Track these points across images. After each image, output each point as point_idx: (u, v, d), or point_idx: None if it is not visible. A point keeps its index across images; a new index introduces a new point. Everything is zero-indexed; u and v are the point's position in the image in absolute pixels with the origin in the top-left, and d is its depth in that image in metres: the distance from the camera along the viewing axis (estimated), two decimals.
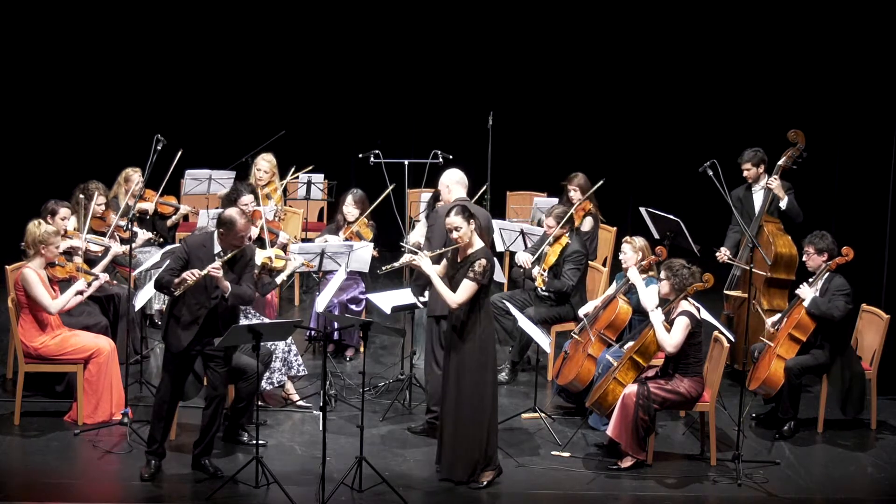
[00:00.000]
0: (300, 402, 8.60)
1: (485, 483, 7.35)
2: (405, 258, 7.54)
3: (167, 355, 7.37)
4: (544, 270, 9.20)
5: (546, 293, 9.23)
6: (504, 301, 9.22)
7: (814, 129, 11.49)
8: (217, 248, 7.26)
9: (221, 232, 7.25)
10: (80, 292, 8.25)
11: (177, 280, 7.14)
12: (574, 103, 13.52)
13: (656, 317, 7.76)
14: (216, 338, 7.25)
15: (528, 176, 12.73)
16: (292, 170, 11.27)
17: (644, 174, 13.40)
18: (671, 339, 7.65)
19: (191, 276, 7.12)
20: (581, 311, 8.84)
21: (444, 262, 7.48)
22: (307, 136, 13.21)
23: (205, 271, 7.12)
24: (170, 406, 7.38)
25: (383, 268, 7.95)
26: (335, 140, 13.50)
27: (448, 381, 7.36)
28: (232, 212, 7.29)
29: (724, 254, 9.28)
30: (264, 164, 10.86)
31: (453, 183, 8.17)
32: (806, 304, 8.29)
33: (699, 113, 12.98)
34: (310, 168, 11.37)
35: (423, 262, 7.33)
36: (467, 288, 7.16)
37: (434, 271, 7.31)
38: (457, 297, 7.18)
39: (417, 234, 9.49)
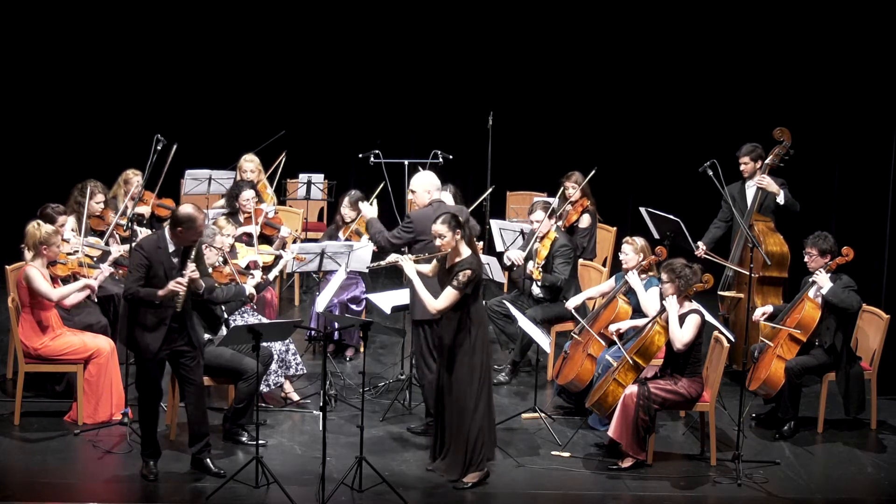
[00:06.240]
0: (299, 401, 8.60)
1: (469, 484, 7.35)
2: (391, 258, 7.54)
3: (138, 360, 7.33)
4: (538, 264, 9.24)
5: (541, 288, 9.25)
6: (504, 302, 9.23)
7: (814, 129, 11.54)
8: (171, 247, 7.20)
9: (180, 230, 7.16)
10: (89, 288, 8.26)
11: (161, 293, 7.08)
12: (574, 103, 13.52)
13: (672, 306, 7.74)
14: (182, 335, 7.25)
15: (528, 176, 12.74)
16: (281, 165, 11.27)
17: (644, 174, 13.40)
18: (682, 335, 7.65)
19: (178, 286, 7.07)
20: (569, 304, 8.86)
21: (435, 262, 7.49)
22: (307, 136, 13.21)
23: (186, 279, 7.09)
24: (152, 408, 7.37)
25: (370, 264, 7.98)
26: (335, 140, 13.50)
27: (441, 383, 7.40)
28: (188, 209, 7.22)
29: (701, 249, 9.29)
30: (249, 164, 10.85)
31: (434, 189, 8.11)
32: (824, 291, 8.27)
33: (698, 112, 12.98)
34: (281, 159, 11.31)
35: (406, 264, 7.37)
36: (449, 296, 7.18)
37: (416, 274, 7.34)
38: (437, 304, 7.22)
39: None
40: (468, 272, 7.18)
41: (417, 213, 8.05)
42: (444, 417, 7.42)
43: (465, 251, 7.29)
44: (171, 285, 7.07)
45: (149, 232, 9.59)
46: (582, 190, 10.22)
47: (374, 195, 9.95)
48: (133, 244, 9.30)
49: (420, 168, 8.65)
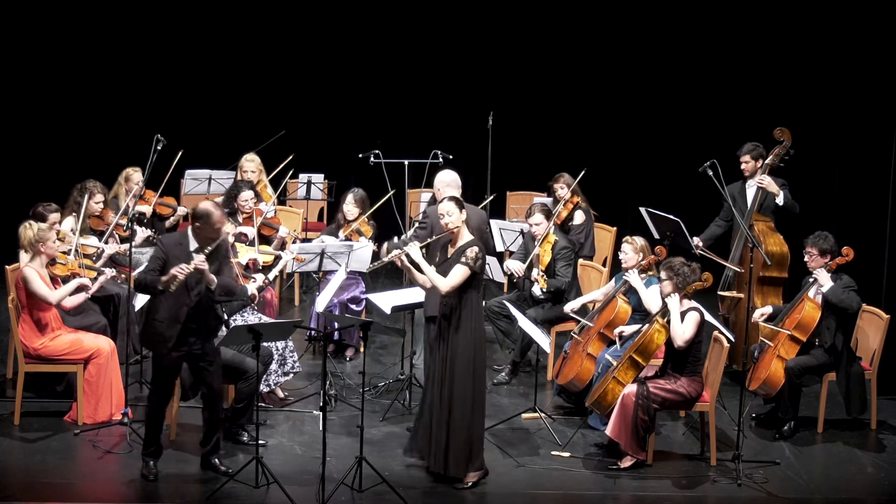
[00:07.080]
0: (287, 398, 8.59)
1: (469, 484, 7.35)
2: (392, 254, 7.44)
3: (153, 357, 7.32)
4: (542, 271, 9.23)
5: (545, 294, 9.25)
6: (504, 302, 9.22)
7: (814, 129, 11.53)
8: (193, 245, 7.19)
9: (197, 226, 7.17)
10: (84, 287, 8.25)
11: (164, 279, 7.05)
12: (574, 103, 13.51)
13: (674, 304, 7.74)
14: (199, 337, 7.24)
15: (528, 176, 12.72)
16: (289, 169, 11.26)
17: (644, 174, 13.39)
18: (684, 332, 7.65)
19: (180, 271, 7.01)
20: (567, 308, 8.86)
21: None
22: (307, 136, 13.20)
23: (192, 266, 7.03)
24: (160, 408, 7.38)
25: (370, 265, 7.96)
26: (335, 140, 13.50)
27: (437, 376, 7.34)
28: (206, 205, 7.24)
29: (697, 241, 9.28)
30: (250, 164, 10.87)
31: (444, 185, 8.17)
32: (825, 289, 8.27)
33: (698, 112, 12.98)
34: (289, 160, 11.34)
35: (413, 250, 7.29)
36: (459, 273, 7.16)
37: (422, 258, 7.29)
38: (449, 281, 7.18)
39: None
40: (475, 248, 7.19)
41: (432, 208, 8.09)
42: (437, 409, 7.34)
43: (467, 235, 7.33)
44: (174, 269, 7.03)
45: (149, 232, 9.61)
46: (571, 189, 10.23)
47: (381, 203, 9.97)
48: (153, 237, 9.35)
49: (446, 167, 8.66)
